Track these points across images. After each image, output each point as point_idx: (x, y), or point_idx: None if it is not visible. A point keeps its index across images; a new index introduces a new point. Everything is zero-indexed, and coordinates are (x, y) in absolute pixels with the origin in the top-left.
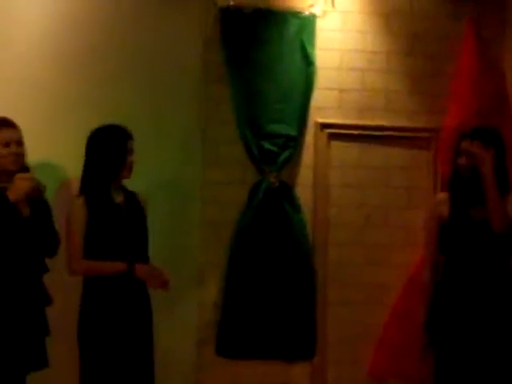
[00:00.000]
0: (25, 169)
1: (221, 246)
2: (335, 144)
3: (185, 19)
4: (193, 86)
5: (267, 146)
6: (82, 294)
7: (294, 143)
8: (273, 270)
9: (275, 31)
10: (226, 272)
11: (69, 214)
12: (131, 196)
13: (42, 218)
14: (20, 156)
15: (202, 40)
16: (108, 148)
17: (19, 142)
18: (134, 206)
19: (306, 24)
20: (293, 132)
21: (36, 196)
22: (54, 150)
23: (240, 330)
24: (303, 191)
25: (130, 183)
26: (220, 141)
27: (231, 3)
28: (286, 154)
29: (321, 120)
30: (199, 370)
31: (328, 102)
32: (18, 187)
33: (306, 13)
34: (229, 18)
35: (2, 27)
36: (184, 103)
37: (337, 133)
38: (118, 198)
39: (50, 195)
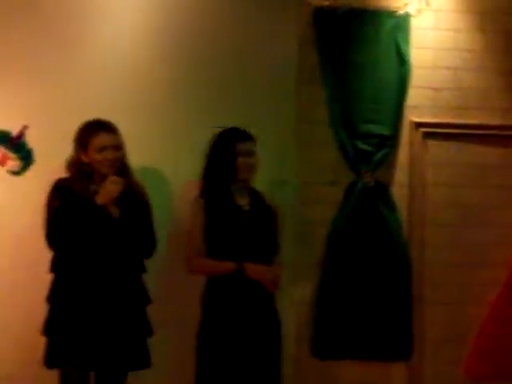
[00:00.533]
0: (123, 171)
1: (316, 245)
2: (430, 143)
3: (279, 20)
4: (287, 87)
5: (362, 145)
6: (204, 295)
7: (389, 142)
8: (368, 269)
9: (370, 31)
10: (322, 271)
11: (189, 216)
12: (258, 198)
13: (134, 219)
14: (116, 161)
15: (296, 40)
16: (216, 151)
17: (116, 147)
18: (260, 208)
19: (401, 23)
20: (387, 131)
21: (127, 198)
22: (161, 153)
23: (335, 330)
24: (399, 190)
25: None
26: (314, 141)
27: (325, 3)
28: (381, 153)
29: (416, 119)
30: (296, 370)
31: (422, 100)
32: (107, 190)
33: (401, 12)
34: (323, 18)
35: (111, 32)
36: (278, 104)
37: (432, 132)
38: (242, 200)
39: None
